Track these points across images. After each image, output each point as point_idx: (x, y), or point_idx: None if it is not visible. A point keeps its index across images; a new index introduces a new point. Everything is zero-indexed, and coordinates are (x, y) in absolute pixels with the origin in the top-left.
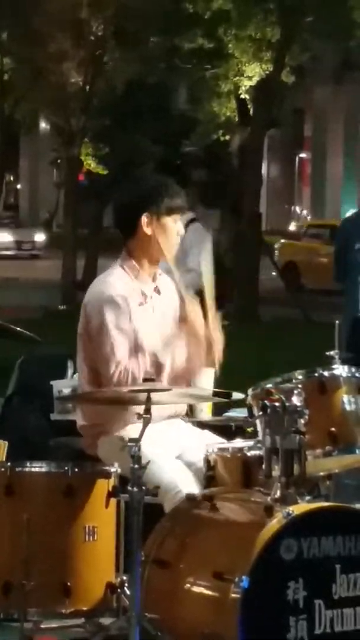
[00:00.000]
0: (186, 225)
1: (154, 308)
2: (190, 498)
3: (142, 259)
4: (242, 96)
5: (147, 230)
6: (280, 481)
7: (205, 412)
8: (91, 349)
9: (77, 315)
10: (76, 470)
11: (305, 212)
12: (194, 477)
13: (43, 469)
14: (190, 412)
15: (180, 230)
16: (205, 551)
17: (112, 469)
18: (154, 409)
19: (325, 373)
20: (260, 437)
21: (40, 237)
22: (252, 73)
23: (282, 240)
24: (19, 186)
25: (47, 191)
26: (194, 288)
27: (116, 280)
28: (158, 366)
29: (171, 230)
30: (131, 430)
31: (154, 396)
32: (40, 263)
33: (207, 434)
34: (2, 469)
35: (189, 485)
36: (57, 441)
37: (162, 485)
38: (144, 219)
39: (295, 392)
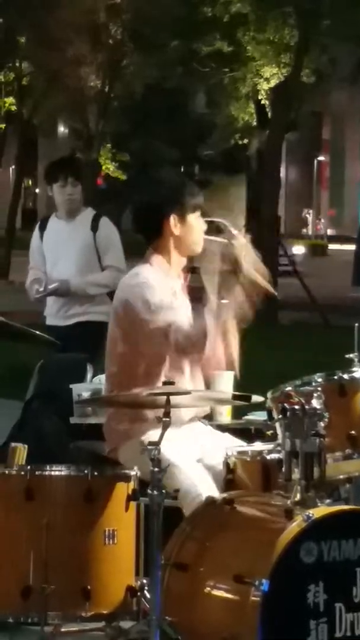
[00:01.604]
0: (94, 221)
1: (181, 305)
2: (210, 501)
3: (171, 257)
4: (262, 101)
5: (175, 231)
6: (300, 484)
7: (224, 415)
8: (128, 345)
9: None
10: (96, 473)
11: (311, 217)
12: (213, 480)
13: (63, 473)
14: (210, 415)
15: (204, 225)
16: (225, 554)
17: (132, 473)
18: (174, 412)
19: (345, 376)
20: (280, 440)
21: (299, 249)
22: (271, 76)
23: None
24: (37, 190)
25: None
26: (115, 286)
27: (149, 274)
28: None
29: (197, 228)
30: (153, 435)
31: (174, 399)
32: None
33: (227, 437)
34: (22, 473)
35: (209, 489)
36: (76, 445)
37: (181, 489)
38: (172, 220)
39: (315, 395)
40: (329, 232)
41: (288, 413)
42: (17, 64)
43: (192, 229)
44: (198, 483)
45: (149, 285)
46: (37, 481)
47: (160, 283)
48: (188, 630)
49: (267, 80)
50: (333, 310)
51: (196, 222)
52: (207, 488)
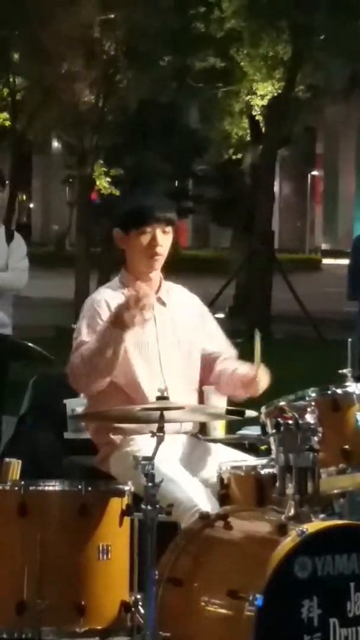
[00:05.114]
0: (9, 235)
1: (155, 319)
2: (204, 516)
3: (134, 272)
4: (255, 116)
5: (121, 244)
6: (294, 499)
7: (218, 430)
8: None
9: None
10: (90, 488)
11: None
12: (210, 492)
13: (57, 488)
14: (204, 430)
15: (162, 241)
16: (219, 569)
17: (126, 488)
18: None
19: (339, 390)
20: (273, 455)
21: None
22: (264, 91)
23: None
24: (31, 205)
25: (60, 210)
26: (13, 286)
27: (107, 290)
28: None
29: (139, 245)
30: (140, 441)
31: (167, 413)
32: (53, 281)
33: (222, 450)
34: (16, 488)
35: (206, 502)
36: (70, 460)
37: (177, 503)
38: (115, 234)
39: (309, 409)
40: (323, 246)
41: (282, 428)
42: (11, 79)
43: (134, 245)
44: (194, 496)
45: (92, 306)
46: (31, 496)
47: (118, 297)
48: None
49: (261, 96)
50: (327, 324)
51: (139, 239)
52: (204, 501)
